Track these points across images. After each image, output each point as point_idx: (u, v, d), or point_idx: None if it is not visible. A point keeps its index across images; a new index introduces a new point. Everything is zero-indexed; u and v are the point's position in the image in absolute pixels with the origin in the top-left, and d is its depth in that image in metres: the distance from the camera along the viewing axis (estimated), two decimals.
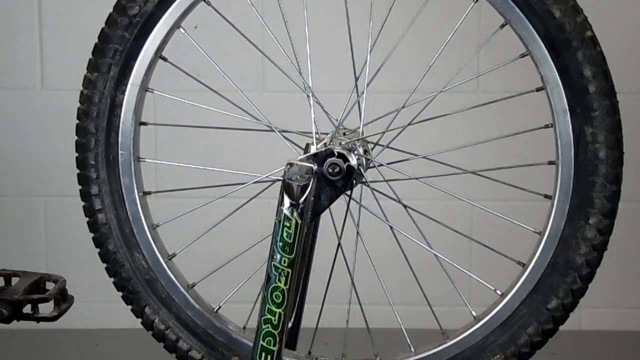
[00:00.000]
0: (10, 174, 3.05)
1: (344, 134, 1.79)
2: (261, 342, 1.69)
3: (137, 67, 1.77)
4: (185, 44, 1.82)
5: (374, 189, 1.80)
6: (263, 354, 1.68)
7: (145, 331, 1.88)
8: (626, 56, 2.70)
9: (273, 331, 1.68)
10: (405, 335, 1.82)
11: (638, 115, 2.64)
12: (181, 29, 1.78)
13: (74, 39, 2.93)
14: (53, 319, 1.89)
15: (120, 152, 1.80)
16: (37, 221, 3.09)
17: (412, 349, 1.81)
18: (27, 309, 1.90)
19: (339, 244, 1.85)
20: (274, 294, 1.67)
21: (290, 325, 1.85)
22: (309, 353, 1.87)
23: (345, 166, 1.71)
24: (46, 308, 1.90)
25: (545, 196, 1.75)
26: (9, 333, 2.83)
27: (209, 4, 1.78)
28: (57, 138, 3.00)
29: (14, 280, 1.97)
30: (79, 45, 2.74)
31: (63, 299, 1.93)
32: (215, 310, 1.87)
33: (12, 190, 3.06)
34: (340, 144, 1.74)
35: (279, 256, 1.66)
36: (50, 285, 1.96)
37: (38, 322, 1.90)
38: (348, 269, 1.83)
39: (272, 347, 1.68)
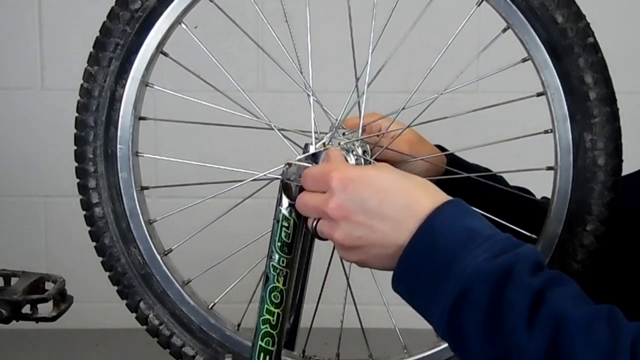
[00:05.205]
0: (10, 174, 3.06)
1: (343, 134, 1.79)
2: (260, 342, 1.68)
3: (138, 62, 1.76)
4: (184, 44, 1.82)
5: None
6: (262, 354, 1.68)
7: (145, 331, 1.88)
8: (626, 56, 2.70)
9: (272, 331, 1.67)
10: (400, 336, 1.82)
11: (638, 115, 2.64)
12: (183, 24, 1.78)
13: (74, 39, 2.94)
14: (52, 319, 1.89)
15: (119, 146, 1.79)
16: (37, 221, 3.10)
17: (407, 350, 1.81)
18: (26, 309, 1.89)
19: None
20: (273, 294, 1.66)
21: (288, 325, 1.85)
22: (303, 352, 1.87)
23: None
24: (45, 308, 1.90)
25: None
26: (9, 333, 2.83)
27: (211, 0, 1.78)
28: (57, 138, 3.01)
29: (14, 281, 1.97)
30: (79, 45, 2.75)
31: (62, 299, 1.92)
32: (210, 307, 1.86)
33: (12, 190, 3.07)
34: (339, 144, 1.74)
35: (277, 256, 1.65)
36: (49, 286, 1.96)
37: (37, 322, 1.89)
38: (344, 269, 1.83)
39: (270, 347, 1.68)
